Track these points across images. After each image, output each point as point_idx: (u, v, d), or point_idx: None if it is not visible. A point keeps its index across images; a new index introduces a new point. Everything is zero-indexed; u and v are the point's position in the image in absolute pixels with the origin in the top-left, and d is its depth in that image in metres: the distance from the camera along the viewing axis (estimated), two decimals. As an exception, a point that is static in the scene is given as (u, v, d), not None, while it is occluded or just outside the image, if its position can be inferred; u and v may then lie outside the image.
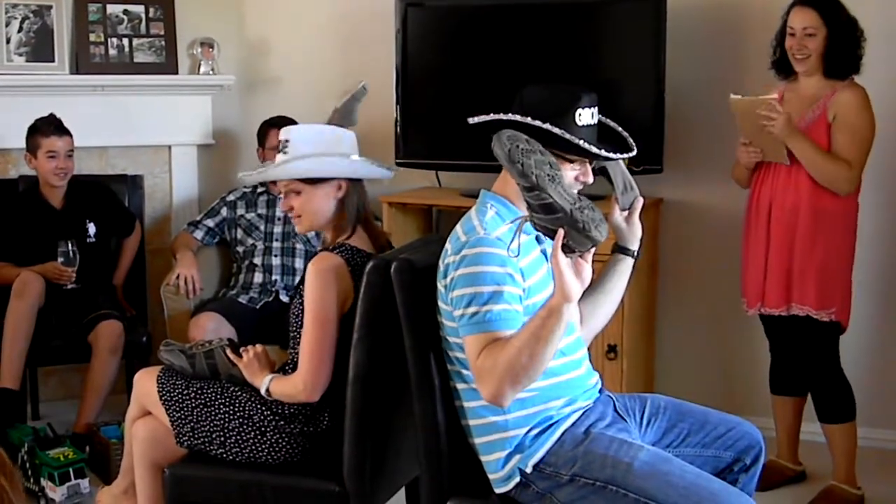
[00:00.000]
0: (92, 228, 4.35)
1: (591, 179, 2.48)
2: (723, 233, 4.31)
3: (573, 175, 2.44)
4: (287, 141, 2.79)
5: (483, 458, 2.46)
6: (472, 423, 2.46)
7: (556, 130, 2.36)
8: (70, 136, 4.25)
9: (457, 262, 2.37)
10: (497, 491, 2.45)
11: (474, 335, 2.32)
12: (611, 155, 2.45)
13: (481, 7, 4.42)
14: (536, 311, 2.27)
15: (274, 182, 4.43)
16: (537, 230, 2.28)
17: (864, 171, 3.59)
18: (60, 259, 4.07)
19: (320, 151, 2.78)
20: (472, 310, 2.32)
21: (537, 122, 2.37)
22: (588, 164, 2.47)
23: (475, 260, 2.34)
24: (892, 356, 4.20)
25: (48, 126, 4.21)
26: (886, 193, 4.07)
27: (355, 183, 2.84)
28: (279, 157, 2.81)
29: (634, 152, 2.50)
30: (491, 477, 2.46)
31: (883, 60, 3.83)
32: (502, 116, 2.42)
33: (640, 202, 2.65)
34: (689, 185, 4.38)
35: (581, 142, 2.38)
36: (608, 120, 2.55)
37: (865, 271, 3.96)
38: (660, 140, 4.11)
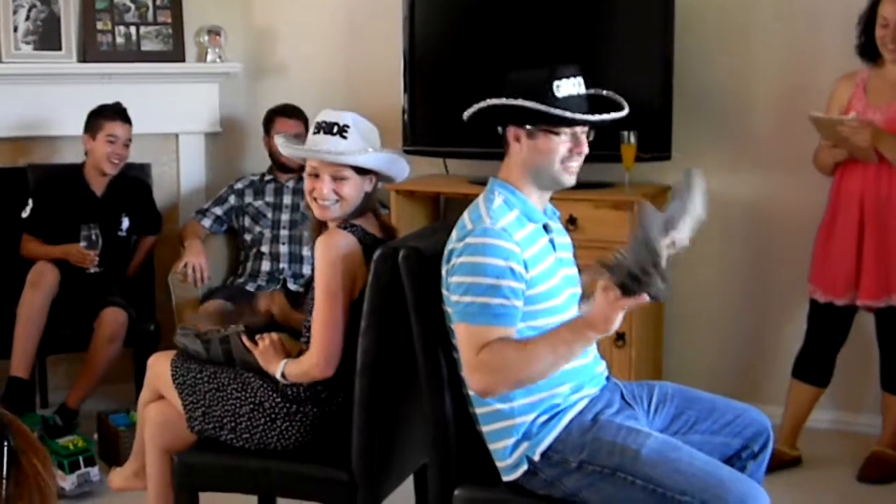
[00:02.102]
0: (126, 223, 4.38)
1: (585, 150, 2.45)
2: (731, 220, 4.30)
3: (566, 148, 2.43)
4: (347, 126, 2.76)
5: (491, 447, 2.46)
6: (478, 411, 2.46)
7: (528, 104, 2.37)
8: (131, 125, 4.30)
9: (460, 249, 2.37)
10: (505, 479, 2.45)
11: (465, 324, 2.34)
12: (590, 118, 2.42)
13: (489, -7, 4.42)
14: (562, 331, 2.28)
15: (281, 169, 4.46)
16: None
17: None
18: (83, 243, 4.09)
19: (372, 146, 2.79)
20: (467, 299, 2.33)
21: (511, 101, 2.38)
22: (583, 136, 2.45)
23: (478, 250, 2.34)
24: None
25: (113, 111, 4.27)
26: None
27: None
28: (335, 141, 2.75)
29: (625, 111, 2.47)
30: (499, 465, 2.46)
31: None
32: (487, 103, 2.42)
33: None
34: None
35: (555, 110, 2.37)
36: (609, 91, 2.54)
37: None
38: (668, 126, 4.10)
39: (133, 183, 4.48)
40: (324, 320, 2.68)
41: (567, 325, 2.29)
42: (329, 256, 2.69)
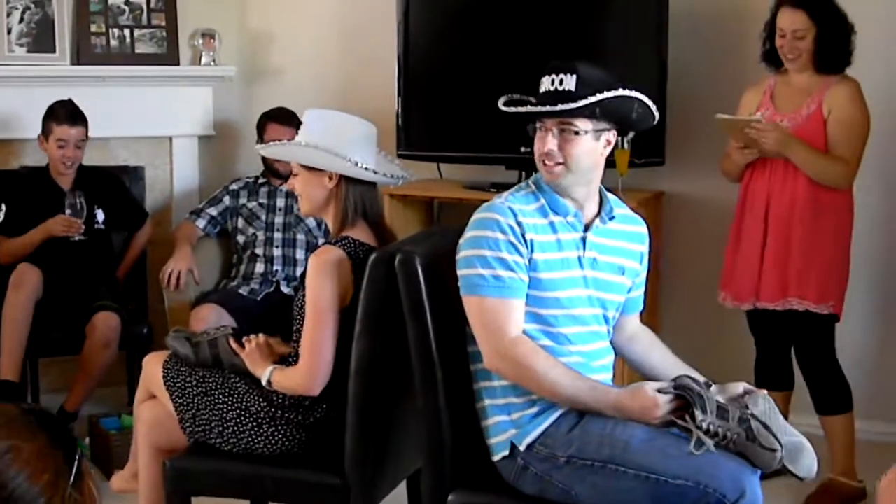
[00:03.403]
0: (101, 215, 4.33)
1: (549, 147, 2.45)
2: (725, 225, 4.28)
3: (538, 146, 2.48)
4: (302, 123, 2.86)
5: (487, 423, 2.49)
6: (483, 385, 2.51)
7: (502, 107, 2.52)
8: (84, 125, 4.22)
9: (469, 225, 2.46)
10: (496, 458, 2.47)
11: (474, 297, 2.42)
12: (510, 109, 2.49)
13: (483, -2, 4.42)
14: (591, 394, 2.38)
15: (273, 174, 4.45)
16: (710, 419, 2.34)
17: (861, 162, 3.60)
18: (68, 210, 4.07)
19: (321, 140, 2.75)
20: (469, 272, 2.42)
21: (509, 108, 2.51)
22: (548, 134, 2.45)
23: (479, 224, 2.44)
24: (890, 348, 4.19)
25: (63, 112, 4.18)
26: (883, 183, 4.07)
27: (353, 177, 2.80)
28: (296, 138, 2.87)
29: (575, 105, 2.43)
30: (491, 442, 2.48)
31: (874, 49, 3.81)
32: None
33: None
34: (692, 178, 4.36)
35: (507, 107, 2.49)
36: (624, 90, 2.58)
37: (862, 263, 3.94)
38: (661, 132, 4.10)
39: (103, 176, 4.44)
40: (311, 343, 2.68)
41: (598, 393, 2.38)
42: (319, 277, 2.69)
